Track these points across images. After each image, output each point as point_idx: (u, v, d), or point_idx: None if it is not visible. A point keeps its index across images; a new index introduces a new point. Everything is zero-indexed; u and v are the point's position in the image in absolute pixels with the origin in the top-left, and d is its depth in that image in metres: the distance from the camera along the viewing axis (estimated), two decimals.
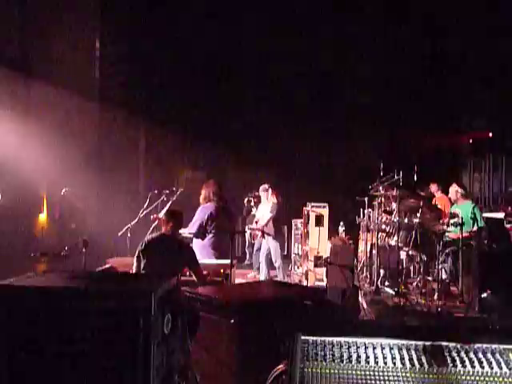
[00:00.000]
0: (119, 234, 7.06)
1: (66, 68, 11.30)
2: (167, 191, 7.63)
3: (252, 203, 10.32)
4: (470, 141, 12.95)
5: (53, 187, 10.84)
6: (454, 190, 8.16)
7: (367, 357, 2.04)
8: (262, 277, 8.86)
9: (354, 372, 1.97)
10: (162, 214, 6.95)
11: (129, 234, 6.91)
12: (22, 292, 2.35)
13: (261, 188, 9.11)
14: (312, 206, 9.31)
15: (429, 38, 12.57)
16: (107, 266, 6.27)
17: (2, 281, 2.41)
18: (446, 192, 9.08)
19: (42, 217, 11.82)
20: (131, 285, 2.57)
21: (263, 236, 8.89)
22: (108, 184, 11.30)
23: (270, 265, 9.03)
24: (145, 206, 7.35)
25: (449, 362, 2.01)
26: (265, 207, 9.00)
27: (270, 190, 8.97)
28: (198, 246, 6.79)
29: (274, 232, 8.78)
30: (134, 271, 5.15)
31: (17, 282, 2.44)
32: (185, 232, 6.84)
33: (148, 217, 7.23)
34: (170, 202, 7.46)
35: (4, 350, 2.28)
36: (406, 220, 7.73)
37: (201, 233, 6.78)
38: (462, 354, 2.06)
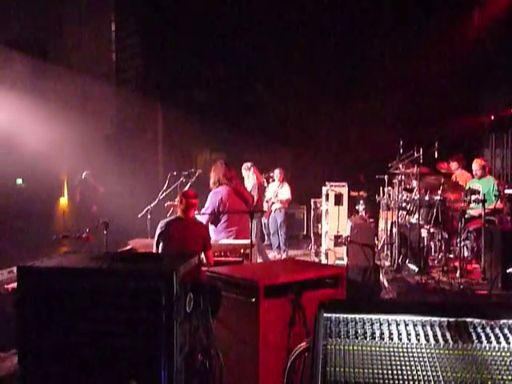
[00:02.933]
0: (139, 215, 7.11)
1: (82, 52, 11.33)
2: (186, 173, 7.64)
3: (265, 184, 10.32)
4: (492, 117, 12.70)
5: (73, 171, 10.95)
6: (480, 164, 7.97)
7: (390, 333, 2.03)
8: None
9: (377, 349, 1.95)
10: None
11: (149, 216, 6.96)
12: (46, 273, 2.38)
13: (243, 166, 9.09)
14: (331, 185, 9.27)
15: (454, 14, 12.27)
16: (128, 247, 6.32)
17: (25, 262, 2.43)
18: (467, 168, 8.95)
19: (63, 200, 11.96)
20: (153, 264, 2.58)
21: None
22: (127, 166, 11.37)
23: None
24: (164, 187, 7.38)
25: (474, 338, 1.99)
26: (247, 187, 9.00)
27: (251, 169, 8.95)
28: (211, 229, 6.77)
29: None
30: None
31: (41, 264, 2.46)
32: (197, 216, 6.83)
33: (167, 199, 7.26)
34: (189, 184, 7.48)
35: (30, 331, 2.31)
36: (426, 197, 7.64)
37: (213, 218, 6.67)
38: (488, 329, 2.03)
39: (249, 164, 9.08)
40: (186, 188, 7.32)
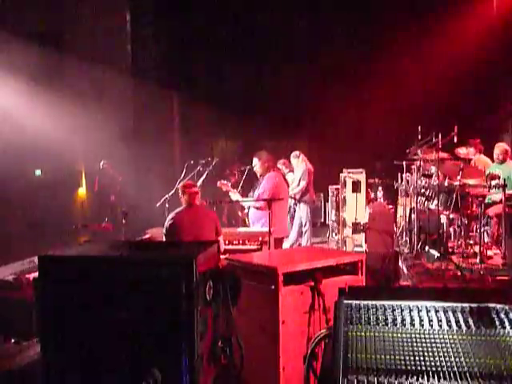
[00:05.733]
0: (157, 204, 7.15)
1: (97, 43, 11.35)
2: (203, 161, 7.66)
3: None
4: None
5: (90, 161, 10.99)
6: (501, 148, 7.87)
7: (412, 320, 2.01)
8: (288, 244, 8.89)
9: (399, 335, 1.94)
10: (199, 183, 7.00)
11: (167, 205, 6.99)
12: (66, 262, 2.39)
13: (292, 154, 9.25)
14: (348, 172, 9.23)
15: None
16: (147, 236, 6.36)
17: (46, 252, 2.45)
18: (486, 153, 8.84)
19: (82, 190, 12.04)
20: (172, 252, 2.59)
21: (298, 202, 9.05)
22: (145, 156, 11.41)
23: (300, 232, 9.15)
24: (181, 176, 7.40)
25: (497, 323, 1.96)
26: (296, 174, 9.07)
27: (300, 157, 9.04)
28: (256, 215, 6.72)
29: (306, 197, 8.99)
30: None
31: (61, 253, 2.48)
32: (249, 202, 6.82)
33: None
34: (206, 172, 7.50)
35: (51, 319, 2.33)
36: (445, 183, 7.57)
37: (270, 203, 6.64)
38: (511, 315, 2.01)
39: (297, 152, 9.26)
40: (204, 176, 7.35)
